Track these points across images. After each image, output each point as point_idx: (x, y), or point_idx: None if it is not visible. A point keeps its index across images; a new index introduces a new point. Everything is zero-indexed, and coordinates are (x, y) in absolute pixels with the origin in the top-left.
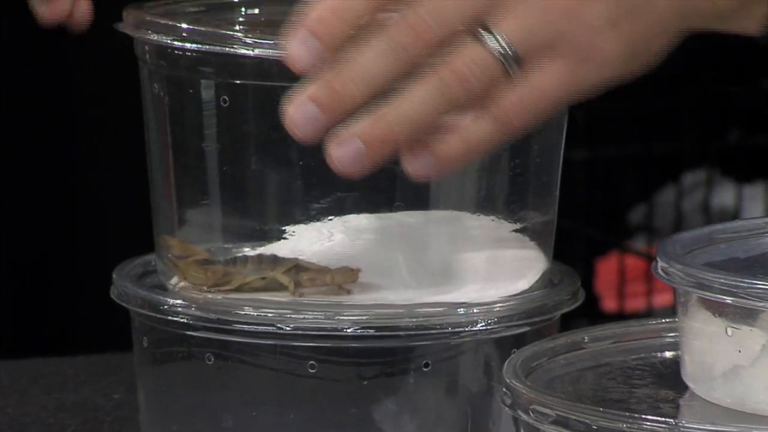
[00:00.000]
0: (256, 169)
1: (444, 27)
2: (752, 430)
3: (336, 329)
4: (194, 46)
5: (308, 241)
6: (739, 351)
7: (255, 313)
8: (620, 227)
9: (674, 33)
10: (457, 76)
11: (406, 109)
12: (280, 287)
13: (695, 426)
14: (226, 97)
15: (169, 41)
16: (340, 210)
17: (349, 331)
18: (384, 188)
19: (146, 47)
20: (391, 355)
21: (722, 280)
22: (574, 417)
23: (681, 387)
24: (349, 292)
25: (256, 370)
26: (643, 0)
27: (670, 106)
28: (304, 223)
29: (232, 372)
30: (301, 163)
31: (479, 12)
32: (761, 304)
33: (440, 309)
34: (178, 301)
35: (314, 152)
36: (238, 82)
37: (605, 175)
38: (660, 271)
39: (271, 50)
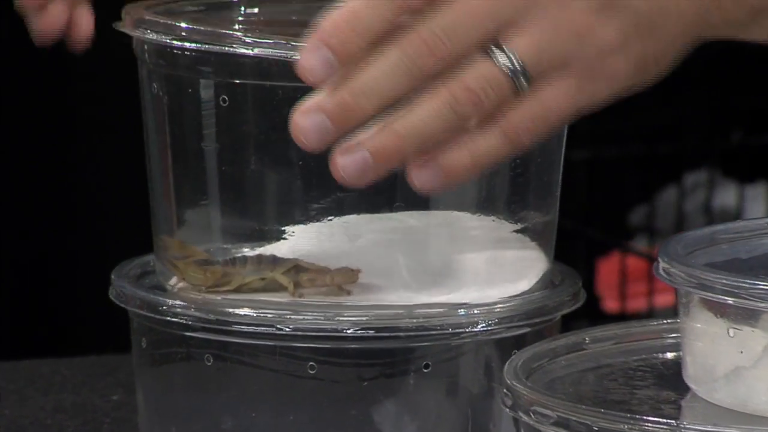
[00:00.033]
0: (256, 169)
1: (457, 44)
2: (754, 431)
3: (336, 330)
4: (193, 45)
5: (308, 241)
6: (741, 352)
7: (254, 314)
8: (621, 228)
9: (685, 46)
10: (468, 91)
11: (415, 121)
12: (279, 288)
13: (697, 427)
14: (225, 96)
15: (168, 40)
16: (339, 210)
17: (349, 332)
18: (384, 188)
19: (145, 46)
20: (391, 356)
21: (724, 281)
22: (575, 418)
23: (682, 388)
24: (348, 292)
25: (255, 371)
26: (655, 18)
27: (671, 106)
28: (304, 224)
29: (231, 373)
30: (300, 163)
31: (493, 30)
32: (763, 304)
33: (440, 310)
34: (177, 302)
35: (314, 153)
36: (237, 81)
37: (606, 175)
38: (661, 271)
39: (270, 50)
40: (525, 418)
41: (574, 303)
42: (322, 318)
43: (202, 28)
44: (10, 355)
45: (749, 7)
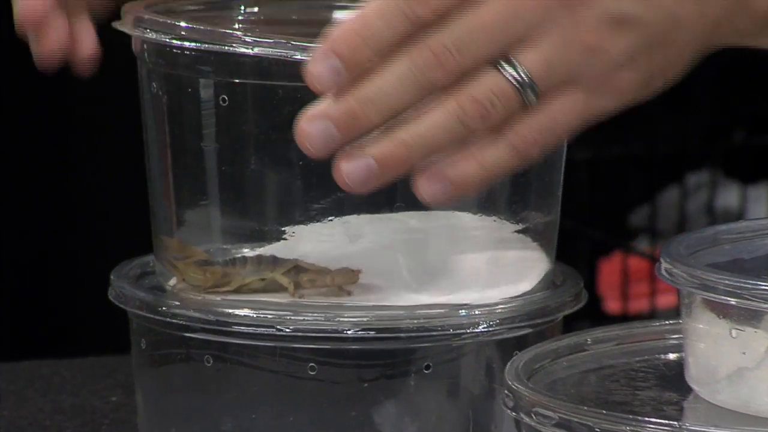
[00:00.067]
0: (256, 169)
1: (467, 57)
2: None
3: (336, 331)
4: (193, 44)
5: (308, 242)
6: (744, 353)
7: (254, 315)
8: (623, 228)
9: (694, 57)
10: (476, 103)
11: (422, 131)
12: (279, 288)
13: (699, 429)
14: (225, 96)
15: (167, 40)
16: (340, 210)
17: (349, 332)
18: (385, 189)
19: (144, 46)
20: (392, 357)
21: (727, 282)
22: (576, 420)
23: (685, 389)
24: (349, 293)
25: (255, 372)
26: (667, 33)
27: (673, 106)
28: (304, 224)
29: (231, 374)
30: (301, 163)
31: (504, 45)
32: (766, 305)
33: (441, 310)
34: (177, 303)
35: (318, 159)
36: (237, 81)
37: (608, 175)
38: (664, 272)
39: (270, 49)
40: (526, 419)
41: (576, 304)
42: (323, 319)
43: (201, 27)
44: (9, 356)
45: (760, 18)
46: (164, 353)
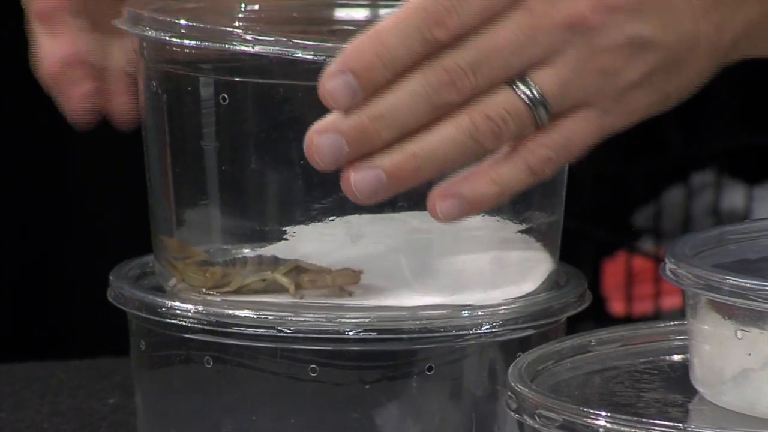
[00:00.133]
0: (256, 168)
1: (482, 79)
2: None
3: (337, 332)
4: (193, 42)
5: (309, 242)
6: (750, 354)
7: (255, 316)
8: (627, 229)
9: (710, 74)
10: (488, 120)
11: (434, 145)
12: (280, 289)
13: (704, 431)
14: (225, 94)
15: (167, 38)
16: (341, 210)
17: (350, 333)
18: None
19: (144, 44)
20: (394, 359)
21: (732, 282)
22: (580, 422)
23: (690, 391)
24: (350, 294)
25: (256, 373)
26: (684, 54)
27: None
28: (305, 224)
29: (231, 375)
30: (302, 162)
31: (519, 68)
32: None
33: (444, 311)
34: (177, 304)
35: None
36: (237, 79)
37: (612, 175)
38: (668, 272)
39: (271, 47)
40: (530, 421)
41: (580, 304)
42: (324, 320)
43: (201, 25)
44: (6, 357)
45: None
46: (164, 354)
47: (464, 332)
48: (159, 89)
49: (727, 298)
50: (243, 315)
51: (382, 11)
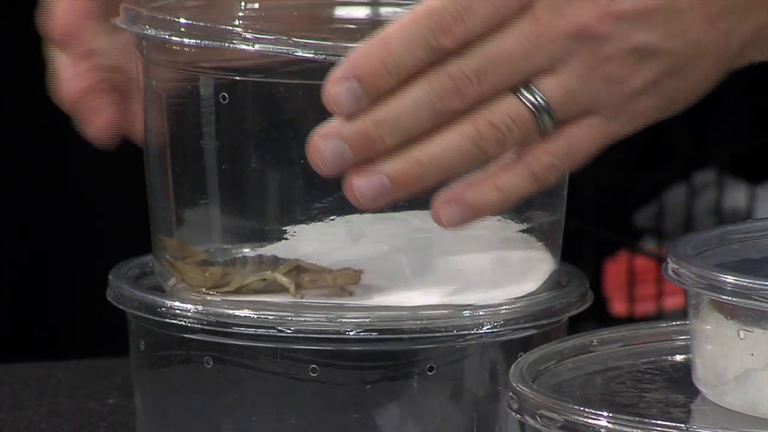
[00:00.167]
0: (257, 167)
1: (486, 86)
2: None
3: (338, 332)
4: (193, 41)
5: (309, 241)
6: (752, 354)
7: (255, 316)
8: (629, 228)
9: (717, 79)
10: (492, 127)
11: (437, 152)
12: (280, 289)
13: (706, 431)
14: (225, 93)
15: (167, 36)
16: (342, 210)
17: (351, 333)
18: None
19: (144, 42)
20: (395, 359)
21: (735, 282)
22: (582, 422)
23: (692, 391)
24: (351, 293)
25: (256, 373)
26: (691, 60)
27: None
28: (306, 223)
29: (231, 376)
30: (302, 161)
31: (524, 75)
32: None
33: (445, 311)
34: (177, 303)
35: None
36: (237, 78)
37: (614, 174)
38: (670, 272)
39: (271, 46)
40: (531, 421)
41: (582, 304)
42: (324, 320)
43: (201, 23)
44: (5, 357)
45: None
46: (163, 354)
47: (465, 332)
48: (159, 88)
49: (730, 298)
50: (243, 315)
51: (383, 10)
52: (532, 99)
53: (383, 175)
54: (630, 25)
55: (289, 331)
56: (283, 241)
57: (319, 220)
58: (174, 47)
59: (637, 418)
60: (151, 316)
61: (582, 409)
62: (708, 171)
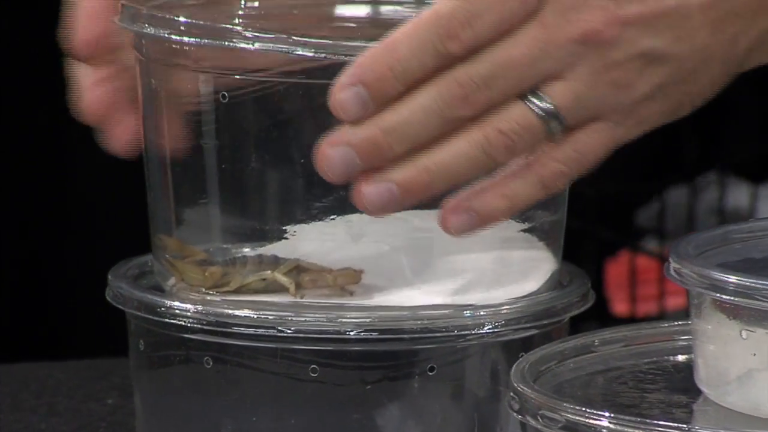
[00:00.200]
0: (257, 166)
1: (495, 93)
2: None
3: (338, 332)
4: (192, 40)
5: (310, 241)
6: (754, 354)
7: (255, 316)
8: (630, 228)
9: (724, 83)
10: (501, 134)
11: (446, 159)
12: (280, 289)
13: None
14: (225, 92)
15: (166, 35)
16: (342, 209)
17: (351, 333)
18: None
19: (143, 41)
20: (395, 359)
21: (737, 282)
22: (583, 422)
23: (694, 391)
24: (351, 293)
25: (256, 373)
26: (698, 66)
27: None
28: (306, 223)
29: (231, 376)
30: (302, 160)
31: (532, 81)
32: None
33: (445, 311)
34: (176, 303)
35: (316, 151)
36: (237, 77)
37: (616, 174)
38: (672, 272)
39: (271, 44)
40: (532, 422)
41: (583, 304)
42: (325, 320)
43: (201, 22)
44: (3, 357)
45: None
46: (163, 355)
47: (466, 332)
48: (158, 86)
49: (732, 297)
50: (243, 315)
51: (383, 8)
52: (542, 105)
53: (392, 183)
54: (637, 31)
55: (289, 331)
56: (283, 240)
57: (320, 220)
58: (173, 45)
59: (638, 419)
60: (150, 316)
61: (583, 409)
62: (710, 170)
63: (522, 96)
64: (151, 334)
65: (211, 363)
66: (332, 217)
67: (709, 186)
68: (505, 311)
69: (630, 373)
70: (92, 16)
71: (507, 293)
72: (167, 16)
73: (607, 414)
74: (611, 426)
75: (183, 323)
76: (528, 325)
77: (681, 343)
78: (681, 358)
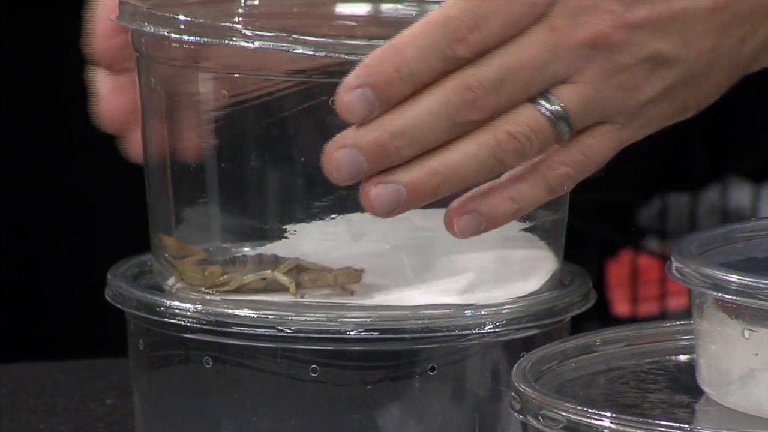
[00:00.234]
0: (256, 165)
1: (504, 97)
2: None
3: (339, 332)
4: (192, 38)
5: (310, 240)
6: (757, 354)
7: (255, 315)
8: (632, 227)
9: (730, 84)
10: (511, 137)
11: (455, 161)
12: (280, 288)
13: None
14: (225, 91)
15: (166, 33)
16: (342, 208)
17: (352, 333)
18: None
19: (143, 39)
20: (396, 359)
21: (739, 281)
22: (585, 423)
23: (696, 391)
24: (352, 293)
25: (256, 373)
26: (705, 68)
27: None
28: (306, 222)
29: (231, 376)
30: (302, 159)
31: (541, 85)
32: None
33: (446, 311)
34: (176, 303)
35: (316, 149)
36: (237, 75)
37: (617, 173)
38: (674, 271)
39: (271, 43)
40: (534, 422)
41: (585, 304)
42: (325, 319)
43: (201, 20)
44: (2, 358)
45: None
46: (162, 354)
47: (467, 332)
48: (158, 85)
49: (734, 297)
50: (243, 314)
51: (384, 6)
52: (551, 108)
53: (400, 185)
54: (645, 34)
55: (289, 331)
56: (283, 239)
57: (320, 219)
58: (173, 44)
59: (640, 419)
60: (150, 316)
61: (585, 409)
62: (717, 180)
63: (531, 99)
64: (150, 334)
65: (210, 363)
66: (332, 216)
67: (710, 185)
68: (506, 311)
69: (632, 373)
70: (112, 23)
71: (508, 293)
72: (166, 15)
73: (608, 414)
74: (613, 426)
75: (182, 323)
76: (529, 324)
77: (683, 342)
78: (683, 357)
